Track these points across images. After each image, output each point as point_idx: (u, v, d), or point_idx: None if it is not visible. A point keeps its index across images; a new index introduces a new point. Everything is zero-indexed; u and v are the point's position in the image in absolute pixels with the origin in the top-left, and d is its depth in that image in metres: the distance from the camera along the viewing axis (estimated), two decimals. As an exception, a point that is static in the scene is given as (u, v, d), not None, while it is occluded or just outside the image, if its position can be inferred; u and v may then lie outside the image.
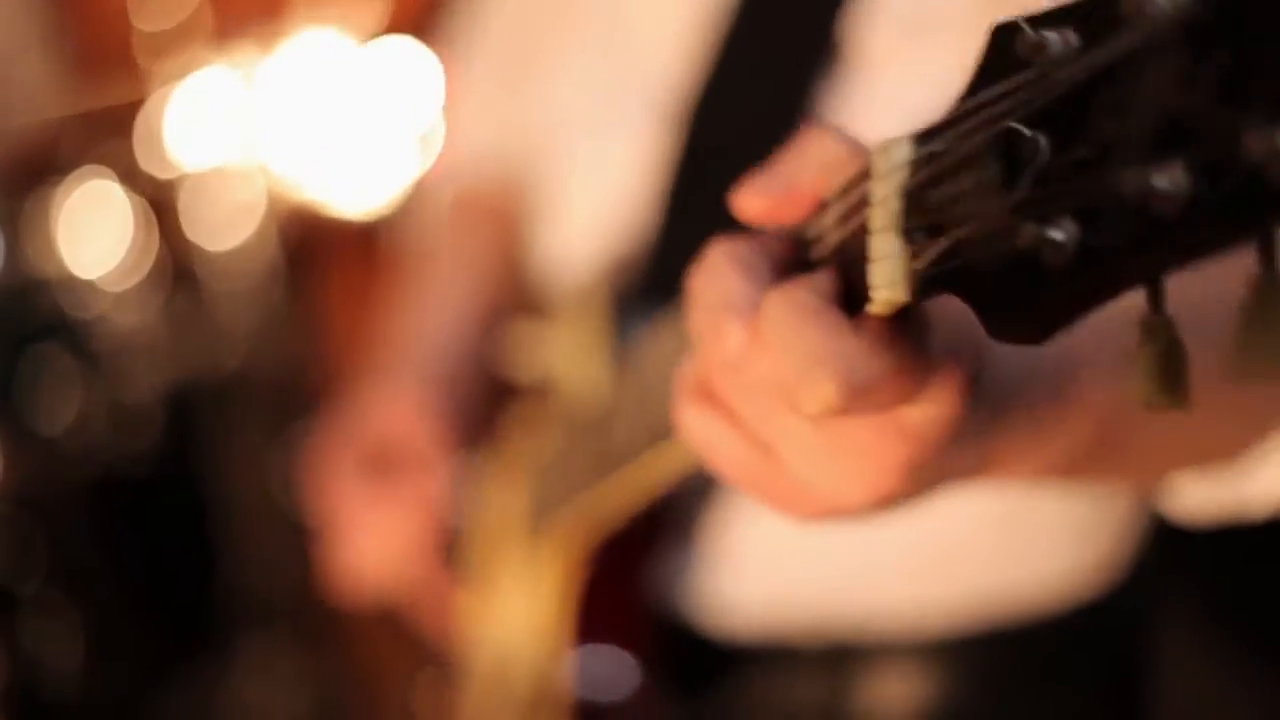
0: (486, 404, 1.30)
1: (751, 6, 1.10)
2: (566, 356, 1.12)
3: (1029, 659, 1.11)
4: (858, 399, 0.59)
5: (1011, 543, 1.10)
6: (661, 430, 0.81)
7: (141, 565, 3.64)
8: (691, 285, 0.70)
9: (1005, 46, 0.54)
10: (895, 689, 1.09)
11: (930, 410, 0.62)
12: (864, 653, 1.09)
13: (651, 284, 1.09)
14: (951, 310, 0.61)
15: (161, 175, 3.11)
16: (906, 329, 0.62)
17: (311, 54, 3.11)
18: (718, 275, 0.68)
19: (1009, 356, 0.66)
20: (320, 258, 3.49)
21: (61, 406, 2.93)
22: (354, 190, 3.31)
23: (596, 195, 1.20)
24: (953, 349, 0.63)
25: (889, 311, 0.61)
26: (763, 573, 1.10)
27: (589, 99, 1.25)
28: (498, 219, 1.38)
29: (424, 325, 1.31)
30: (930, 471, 0.65)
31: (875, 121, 1.03)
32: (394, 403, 1.20)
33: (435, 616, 1.23)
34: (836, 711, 1.09)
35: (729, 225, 0.99)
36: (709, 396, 0.68)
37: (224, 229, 3.13)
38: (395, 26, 3.23)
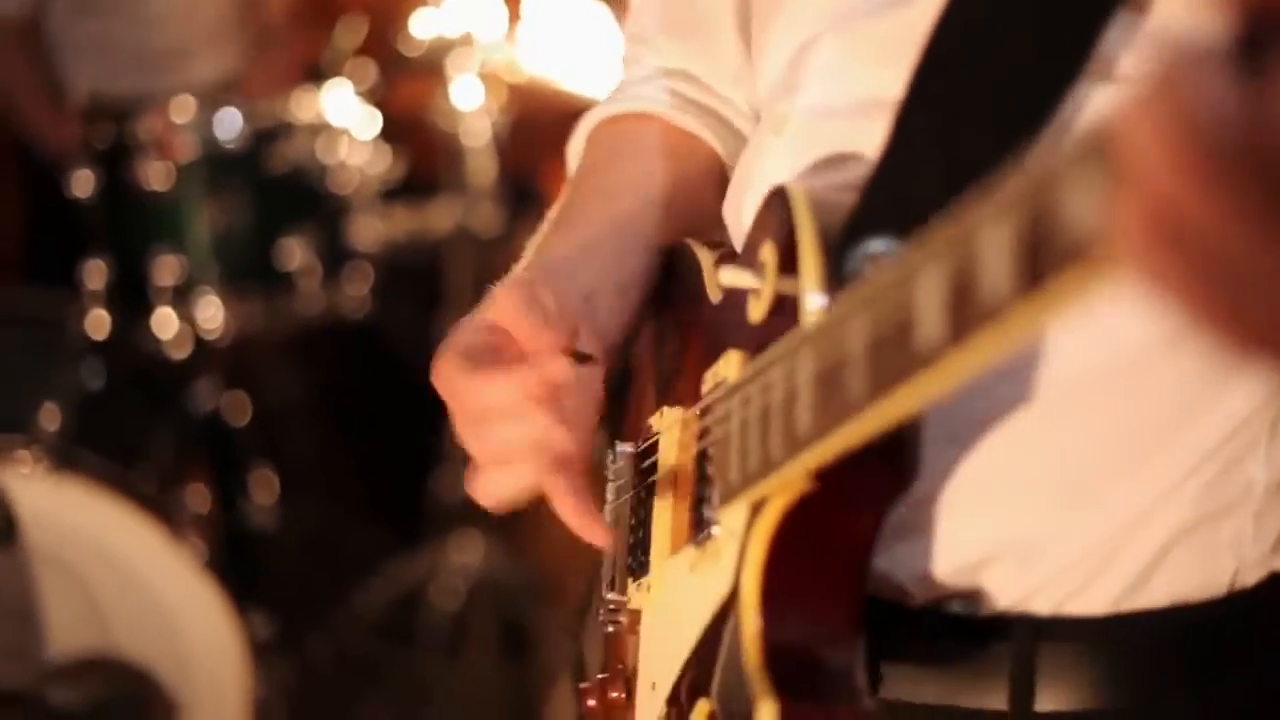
0: (639, 330, 1.23)
1: None
2: (765, 279, 1.01)
3: (1200, 644, 1.06)
4: None
5: (1200, 538, 1.04)
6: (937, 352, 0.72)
7: (342, 411, 3.77)
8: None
9: None
10: (1068, 662, 1.05)
11: None
12: (1042, 625, 1.04)
13: (874, 211, 0.97)
14: None
15: (414, 35, 3.20)
16: None
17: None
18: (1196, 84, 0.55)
19: None
20: (546, 133, 3.56)
21: (288, 249, 3.03)
22: (583, 71, 3.40)
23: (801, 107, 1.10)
24: None
25: None
26: (948, 537, 1.05)
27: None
28: (656, 145, 1.28)
29: (565, 239, 1.23)
30: None
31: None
32: (504, 297, 1.09)
33: (575, 519, 1.11)
34: (1018, 681, 1.04)
35: (976, 154, 0.85)
36: (1172, 234, 0.57)
37: (460, 97, 3.23)
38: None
